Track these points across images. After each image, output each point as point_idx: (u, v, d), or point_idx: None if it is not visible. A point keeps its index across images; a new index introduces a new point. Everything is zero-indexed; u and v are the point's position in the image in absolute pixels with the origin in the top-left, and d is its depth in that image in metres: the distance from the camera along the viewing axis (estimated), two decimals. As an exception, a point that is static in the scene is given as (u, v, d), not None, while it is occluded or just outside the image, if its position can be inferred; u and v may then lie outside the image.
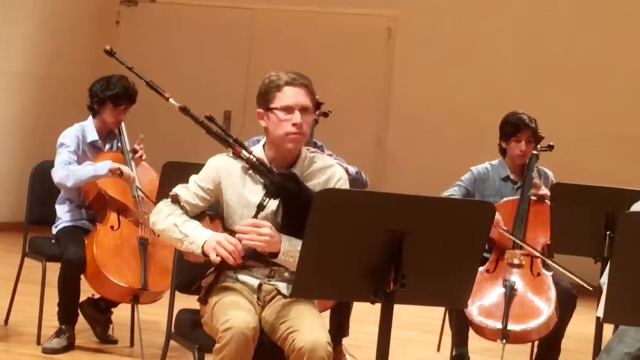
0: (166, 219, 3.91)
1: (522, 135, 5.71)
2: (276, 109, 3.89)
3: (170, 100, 4.34)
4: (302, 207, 3.80)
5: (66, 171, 5.61)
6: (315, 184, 3.93)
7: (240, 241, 3.76)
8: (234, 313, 3.72)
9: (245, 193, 3.92)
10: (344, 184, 4.00)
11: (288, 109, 3.88)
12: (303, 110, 3.90)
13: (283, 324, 3.78)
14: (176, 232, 3.87)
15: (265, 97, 3.93)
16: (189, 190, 3.96)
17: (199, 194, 3.95)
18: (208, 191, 3.96)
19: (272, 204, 3.88)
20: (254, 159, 3.92)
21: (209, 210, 4.01)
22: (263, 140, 4.03)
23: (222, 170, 3.95)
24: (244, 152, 3.94)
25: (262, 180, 3.90)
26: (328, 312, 5.52)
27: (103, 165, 5.61)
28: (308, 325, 3.73)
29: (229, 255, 3.72)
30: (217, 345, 3.70)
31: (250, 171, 3.93)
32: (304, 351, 3.65)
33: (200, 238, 3.81)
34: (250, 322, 3.71)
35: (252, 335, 3.69)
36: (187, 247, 3.84)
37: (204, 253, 3.79)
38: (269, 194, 3.85)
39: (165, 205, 3.97)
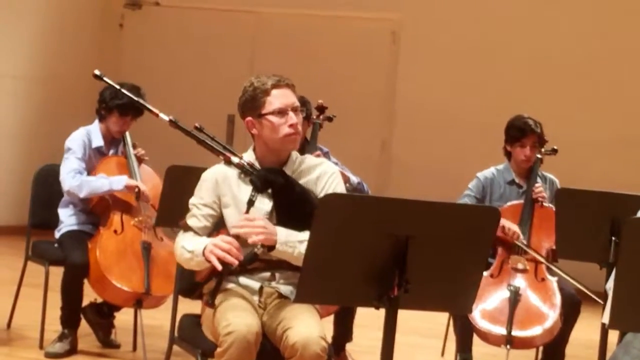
0: (179, 246, 3.92)
1: (527, 141, 5.69)
2: (269, 113, 3.87)
3: (160, 115, 4.34)
4: (294, 201, 3.83)
5: (78, 181, 5.61)
6: (307, 181, 3.94)
7: (236, 238, 3.74)
8: (235, 317, 3.71)
9: (239, 196, 3.92)
10: (335, 179, 3.99)
11: (282, 112, 3.88)
12: (294, 110, 3.90)
13: (279, 324, 3.78)
14: (185, 253, 3.87)
15: (253, 104, 3.90)
16: (196, 216, 3.95)
17: (205, 214, 3.95)
18: (213, 205, 3.95)
19: (267, 205, 3.88)
20: (244, 163, 3.92)
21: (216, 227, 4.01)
22: (252, 145, 4.02)
23: (219, 178, 3.95)
24: (233, 158, 3.94)
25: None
26: (332, 318, 5.50)
27: (119, 180, 5.63)
28: (301, 321, 3.72)
29: (227, 255, 3.70)
30: (218, 350, 3.69)
31: (242, 175, 3.93)
32: (297, 347, 3.64)
33: (200, 248, 3.79)
34: (253, 325, 3.70)
35: (254, 339, 3.68)
36: (197, 263, 3.84)
37: (208, 261, 3.77)
38: (256, 187, 3.85)
39: (179, 236, 3.98)
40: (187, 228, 3.95)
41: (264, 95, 3.88)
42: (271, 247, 3.78)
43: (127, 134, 5.87)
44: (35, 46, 10.69)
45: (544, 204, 5.62)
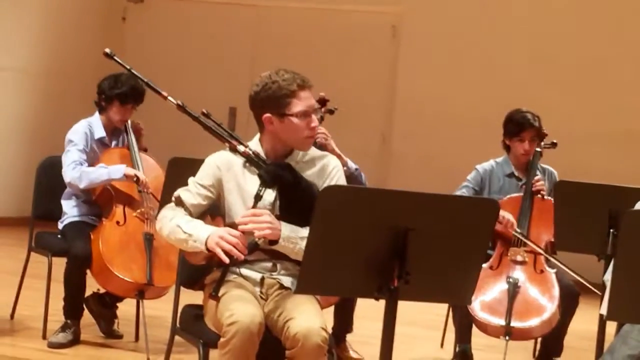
0: (170, 222, 3.91)
1: (526, 135, 5.72)
2: (293, 115, 3.87)
3: (169, 98, 4.36)
4: (299, 196, 3.84)
5: (78, 172, 5.63)
6: (310, 174, 3.95)
7: (242, 233, 3.77)
8: (238, 307, 3.72)
9: (244, 185, 3.93)
10: (338, 172, 4.00)
11: (306, 114, 3.89)
12: (314, 112, 3.93)
13: (280, 314, 3.79)
14: (180, 233, 3.86)
15: (277, 103, 3.87)
16: (191, 192, 3.96)
17: (201, 193, 3.95)
18: (210, 188, 3.95)
19: (270, 195, 3.89)
20: (250, 152, 3.94)
21: (210, 209, 4.02)
22: (259, 136, 4.05)
23: (221, 165, 3.96)
24: (240, 146, 3.96)
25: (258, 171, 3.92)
26: (332, 309, 5.53)
27: (117, 169, 5.64)
28: (302, 312, 3.74)
29: (233, 248, 3.73)
30: (221, 340, 3.71)
31: (248, 164, 3.95)
32: (299, 337, 3.65)
33: (203, 235, 3.80)
34: (255, 316, 3.71)
35: (257, 329, 3.69)
36: (192, 247, 3.83)
37: (208, 250, 3.79)
38: (264, 183, 3.85)
39: (168, 209, 3.97)
40: (180, 203, 3.94)
41: (291, 97, 3.86)
42: (273, 241, 3.81)
43: (130, 123, 5.89)
44: (38, 39, 10.71)
45: (544, 196, 5.65)
